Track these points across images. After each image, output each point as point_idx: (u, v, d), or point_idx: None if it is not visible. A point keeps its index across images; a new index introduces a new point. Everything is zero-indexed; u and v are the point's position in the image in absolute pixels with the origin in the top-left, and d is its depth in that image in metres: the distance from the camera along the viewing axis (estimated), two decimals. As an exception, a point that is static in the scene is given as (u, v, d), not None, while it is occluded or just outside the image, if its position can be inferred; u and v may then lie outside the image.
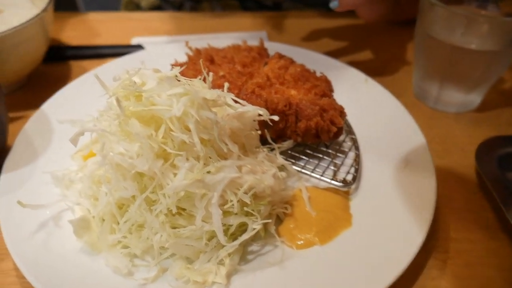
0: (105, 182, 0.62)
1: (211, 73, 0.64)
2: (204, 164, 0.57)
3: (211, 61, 0.81)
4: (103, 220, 0.63)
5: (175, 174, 0.56)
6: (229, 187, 0.58)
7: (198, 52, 0.85)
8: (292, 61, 0.84)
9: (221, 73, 0.78)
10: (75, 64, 1.05)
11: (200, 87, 0.59)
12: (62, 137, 0.80)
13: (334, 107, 0.74)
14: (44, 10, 0.85)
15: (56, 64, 1.04)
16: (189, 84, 0.57)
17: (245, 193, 0.59)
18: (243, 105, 0.63)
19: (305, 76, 0.80)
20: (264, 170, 0.62)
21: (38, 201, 0.67)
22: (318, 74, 0.82)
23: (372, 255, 0.61)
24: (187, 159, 0.56)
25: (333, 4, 0.89)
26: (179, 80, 0.60)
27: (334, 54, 1.06)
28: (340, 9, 0.89)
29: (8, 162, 0.73)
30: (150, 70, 0.59)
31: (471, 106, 0.93)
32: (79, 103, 0.86)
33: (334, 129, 0.73)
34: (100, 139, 0.57)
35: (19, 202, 0.62)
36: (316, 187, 0.72)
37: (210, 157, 0.58)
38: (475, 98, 0.92)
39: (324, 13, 1.27)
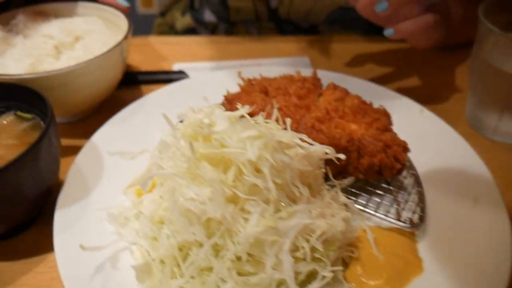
0: (167, 223, 0.59)
1: (275, 110, 0.62)
2: (275, 208, 0.54)
3: (265, 92, 0.79)
4: (163, 262, 0.61)
5: (245, 219, 0.54)
6: (301, 233, 0.55)
7: (250, 82, 0.83)
8: (347, 92, 0.82)
9: (277, 106, 0.76)
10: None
11: (274, 128, 0.57)
12: (113, 169, 0.78)
13: (398, 143, 0.71)
14: (125, 37, 0.84)
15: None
16: (257, 122, 0.55)
17: (317, 239, 0.56)
18: (311, 144, 0.60)
19: (363, 108, 0.77)
20: (333, 212, 0.59)
21: (93, 239, 0.65)
22: (374, 106, 0.79)
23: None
24: (258, 204, 0.54)
25: (388, 32, 0.86)
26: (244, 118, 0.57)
27: (381, 80, 1.03)
28: (395, 37, 0.86)
29: (62, 198, 0.71)
30: (217, 108, 0.56)
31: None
32: (129, 133, 0.84)
33: (398, 165, 0.70)
34: (166, 182, 0.55)
35: (81, 246, 0.60)
36: (379, 227, 0.69)
37: (280, 201, 0.55)
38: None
39: (366, 37, 1.24)
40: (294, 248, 0.55)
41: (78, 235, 0.66)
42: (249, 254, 0.56)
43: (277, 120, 0.71)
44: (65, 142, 0.84)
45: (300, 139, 0.59)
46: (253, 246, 0.55)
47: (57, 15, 0.98)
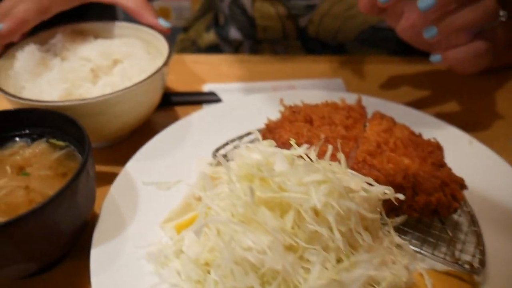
0: (215, 268, 0.55)
1: (342, 156, 0.57)
2: (337, 257, 0.50)
3: (310, 122, 0.75)
4: (209, 309, 0.57)
5: (305, 269, 0.49)
6: (365, 285, 0.50)
7: (292, 110, 0.79)
8: (394, 122, 0.78)
9: (323, 136, 0.72)
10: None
11: (338, 171, 0.52)
12: (148, 201, 0.75)
13: (455, 180, 0.67)
14: (165, 63, 0.81)
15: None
16: (320, 164, 0.51)
17: (381, 290, 0.51)
18: (372, 185, 0.56)
19: (414, 140, 0.73)
20: (395, 259, 0.55)
21: (131, 280, 0.62)
22: (424, 137, 0.75)
23: None
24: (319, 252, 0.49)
25: (435, 58, 0.82)
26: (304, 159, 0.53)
27: (418, 105, 0.99)
28: (443, 64, 0.82)
29: (97, 234, 0.67)
30: (274, 149, 0.52)
31: None
32: (163, 161, 0.81)
33: (456, 204, 0.66)
34: (216, 226, 0.51)
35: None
36: (435, 270, 0.65)
37: (342, 253, 0.51)
38: None
39: (400, 58, 1.20)
40: (357, 301, 0.51)
41: (116, 275, 0.62)
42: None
43: (322, 151, 0.67)
44: (97, 168, 0.81)
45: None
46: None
47: (95, 35, 0.95)
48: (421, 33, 0.79)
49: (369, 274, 0.50)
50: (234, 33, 1.39)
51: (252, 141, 0.84)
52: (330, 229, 0.48)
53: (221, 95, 1.04)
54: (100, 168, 0.83)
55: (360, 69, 1.17)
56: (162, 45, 0.87)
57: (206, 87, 1.10)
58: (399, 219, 0.67)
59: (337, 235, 0.47)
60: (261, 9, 1.25)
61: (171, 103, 1.01)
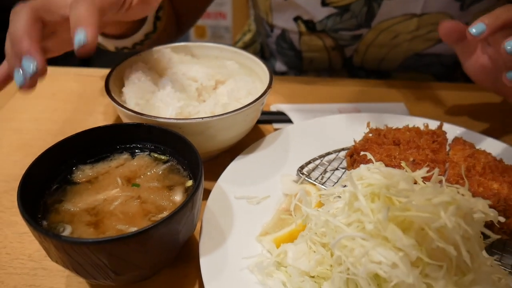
0: (329, 282, 0.59)
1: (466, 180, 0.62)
2: (457, 276, 0.54)
3: (398, 144, 0.79)
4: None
5: (428, 284, 0.53)
6: (481, 300, 0.54)
7: (378, 132, 0.83)
8: (475, 147, 0.81)
9: (412, 159, 0.76)
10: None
11: (463, 194, 0.56)
12: (242, 214, 0.79)
13: (543, 205, 0.70)
14: (269, 86, 0.87)
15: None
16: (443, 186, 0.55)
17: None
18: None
19: (498, 166, 0.76)
20: (501, 277, 0.58)
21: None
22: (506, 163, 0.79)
23: None
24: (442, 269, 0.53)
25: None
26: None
27: (488, 132, 1.01)
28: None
29: (203, 244, 0.71)
30: (396, 170, 0.57)
31: None
32: (251, 176, 0.85)
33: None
34: (348, 244, 0.54)
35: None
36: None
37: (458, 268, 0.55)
38: None
39: (460, 85, 1.25)
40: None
41: (225, 283, 0.66)
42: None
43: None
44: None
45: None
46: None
47: (193, 54, 1.00)
48: (489, 75, 0.82)
49: (486, 290, 0.53)
50: (279, 66, 1.44)
51: (333, 160, 0.88)
52: (457, 249, 0.52)
53: (290, 114, 1.09)
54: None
55: (420, 94, 1.21)
56: (259, 68, 0.92)
57: (273, 107, 1.14)
58: (488, 241, 0.70)
59: (464, 253, 0.51)
60: (309, 43, 1.29)
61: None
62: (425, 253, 0.53)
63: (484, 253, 0.62)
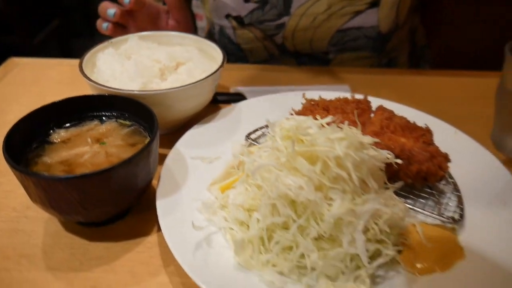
0: (259, 210, 0.73)
1: (359, 126, 0.77)
2: (352, 196, 0.69)
3: (327, 110, 0.94)
4: (252, 242, 0.74)
5: (328, 204, 0.68)
6: (372, 217, 0.69)
7: (310, 102, 0.98)
8: (394, 114, 0.97)
9: (338, 121, 0.91)
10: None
11: (356, 133, 0.71)
12: (195, 171, 0.92)
13: (441, 154, 0.85)
14: (221, 65, 1.01)
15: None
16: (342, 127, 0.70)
17: (384, 222, 0.69)
18: (378, 149, 0.75)
19: (410, 126, 0.92)
20: (394, 203, 0.73)
21: (189, 224, 0.79)
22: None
23: (490, 282, 0.70)
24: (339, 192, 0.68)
25: None
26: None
27: (413, 106, 1.18)
28: None
29: (159, 191, 0.85)
30: (306, 117, 0.71)
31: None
32: (205, 142, 0.99)
33: (442, 173, 0.84)
34: (263, 173, 0.69)
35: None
36: (425, 223, 0.83)
37: (356, 193, 0.69)
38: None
39: (399, 70, 1.41)
40: (365, 230, 0.69)
41: (178, 220, 0.80)
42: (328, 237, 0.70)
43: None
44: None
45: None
46: (332, 227, 0.69)
47: (159, 42, 1.15)
48: None
49: (375, 208, 0.68)
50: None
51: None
52: (349, 175, 0.67)
53: (247, 95, 1.23)
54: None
55: (364, 78, 1.37)
56: (216, 53, 1.07)
57: (232, 90, 1.29)
58: (397, 184, 0.85)
59: (354, 177, 0.66)
60: (242, 36, 1.46)
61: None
62: (327, 179, 0.68)
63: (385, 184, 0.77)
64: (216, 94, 1.21)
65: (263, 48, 1.48)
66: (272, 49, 1.48)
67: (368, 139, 0.71)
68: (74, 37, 4.38)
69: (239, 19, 1.40)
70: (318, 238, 0.70)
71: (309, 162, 0.68)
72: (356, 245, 0.68)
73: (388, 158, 0.77)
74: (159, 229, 0.84)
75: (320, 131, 0.69)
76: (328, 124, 0.73)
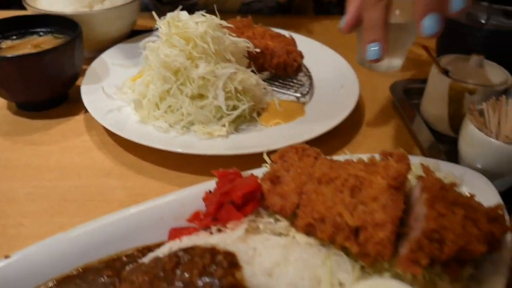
0: (152, 82, 1.02)
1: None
2: (214, 64, 0.98)
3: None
4: (148, 105, 1.02)
5: (195, 65, 0.96)
6: (229, 78, 0.98)
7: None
8: (270, 29, 1.26)
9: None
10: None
11: (216, 19, 1.00)
12: (118, 71, 1.20)
13: (296, 51, 1.15)
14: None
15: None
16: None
17: (238, 82, 0.99)
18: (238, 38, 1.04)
19: (278, 36, 1.22)
20: (250, 75, 1.03)
21: (105, 99, 1.07)
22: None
23: (317, 125, 1.01)
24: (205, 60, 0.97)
25: None
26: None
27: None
28: None
29: (85, 81, 1.12)
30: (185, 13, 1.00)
31: (395, 68, 1.34)
32: (127, 54, 1.27)
33: (296, 64, 1.14)
34: (154, 47, 0.98)
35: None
36: (283, 99, 1.13)
37: (217, 62, 0.98)
38: (397, 62, 1.33)
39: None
40: (225, 88, 0.98)
41: (97, 98, 1.07)
42: (199, 94, 0.99)
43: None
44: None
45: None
46: (201, 87, 0.98)
47: None
48: None
49: (231, 71, 0.97)
50: None
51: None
52: (209, 46, 0.96)
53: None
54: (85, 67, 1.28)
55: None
56: None
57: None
58: (264, 74, 1.15)
59: (212, 48, 0.95)
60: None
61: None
62: (196, 52, 0.97)
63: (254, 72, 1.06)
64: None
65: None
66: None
67: (224, 23, 1.00)
68: None
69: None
70: (192, 97, 0.99)
71: (185, 42, 0.97)
72: (218, 99, 0.97)
73: (248, 47, 1.06)
74: (86, 112, 1.10)
75: (190, 17, 0.97)
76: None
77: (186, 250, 0.59)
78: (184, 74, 0.97)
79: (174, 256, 0.59)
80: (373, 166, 0.65)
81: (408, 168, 0.63)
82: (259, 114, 1.07)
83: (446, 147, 0.98)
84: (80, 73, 1.15)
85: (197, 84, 0.97)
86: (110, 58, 1.24)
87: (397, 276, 0.58)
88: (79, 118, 1.11)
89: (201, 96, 0.99)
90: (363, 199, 0.60)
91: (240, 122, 1.03)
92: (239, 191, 0.64)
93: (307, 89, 1.15)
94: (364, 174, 0.63)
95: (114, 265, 0.64)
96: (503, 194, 0.72)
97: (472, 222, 0.57)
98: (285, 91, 1.15)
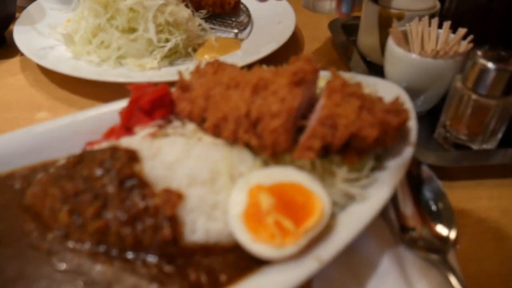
0: (85, 18, 1.01)
1: None
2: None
3: None
4: (80, 40, 1.02)
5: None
6: (159, 11, 0.97)
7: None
8: None
9: None
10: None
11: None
12: (52, 16, 1.18)
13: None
14: None
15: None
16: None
17: (168, 15, 0.98)
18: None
19: None
20: (181, 8, 1.03)
21: (40, 39, 1.06)
22: None
23: (251, 55, 1.01)
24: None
25: None
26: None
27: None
28: None
29: (18, 21, 1.11)
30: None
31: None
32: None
33: (233, 1, 1.14)
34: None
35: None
36: (220, 37, 1.13)
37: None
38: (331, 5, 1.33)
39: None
40: (155, 20, 0.98)
41: (30, 37, 1.06)
42: (130, 28, 0.98)
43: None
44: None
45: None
46: (131, 20, 0.97)
47: None
48: None
49: (160, 3, 0.97)
50: None
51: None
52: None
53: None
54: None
55: None
56: None
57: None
58: (202, 13, 1.15)
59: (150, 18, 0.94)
60: None
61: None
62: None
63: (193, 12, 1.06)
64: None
65: None
66: None
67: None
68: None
69: None
70: (123, 31, 0.98)
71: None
72: (149, 31, 0.97)
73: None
74: (22, 55, 1.09)
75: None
76: None
77: (89, 151, 0.60)
78: (113, 7, 0.97)
79: (75, 156, 0.59)
80: (281, 70, 0.66)
81: (313, 68, 0.64)
82: (195, 50, 1.07)
83: (380, 76, 1.00)
84: (14, 16, 1.13)
85: (126, 17, 0.96)
86: (48, 2, 1.22)
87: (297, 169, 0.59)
88: (15, 60, 1.09)
89: (132, 30, 0.99)
90: (264, 96, 0.61)
91: (175, 58, 1.03)
92: (146, 97, 0.64)
93: (245, 26, 1.15)
94: (270, 76, 0.63)
95: (26, 174, 0.64)
96: (429, 113, 0.73)
97: (368, 112, 0.58)
98: (223, 29, 1.15)
